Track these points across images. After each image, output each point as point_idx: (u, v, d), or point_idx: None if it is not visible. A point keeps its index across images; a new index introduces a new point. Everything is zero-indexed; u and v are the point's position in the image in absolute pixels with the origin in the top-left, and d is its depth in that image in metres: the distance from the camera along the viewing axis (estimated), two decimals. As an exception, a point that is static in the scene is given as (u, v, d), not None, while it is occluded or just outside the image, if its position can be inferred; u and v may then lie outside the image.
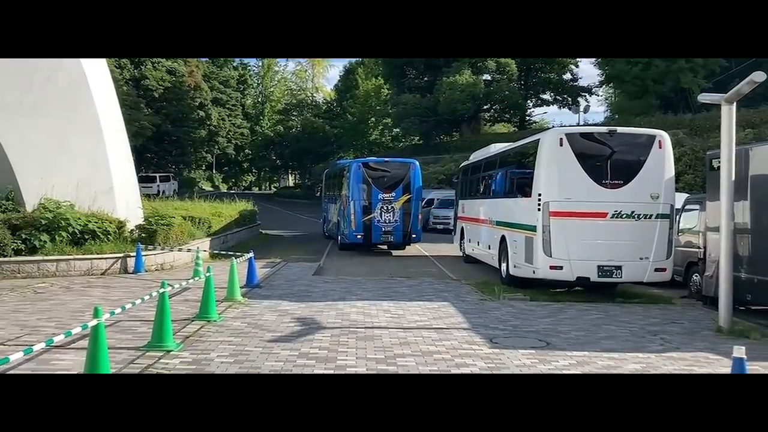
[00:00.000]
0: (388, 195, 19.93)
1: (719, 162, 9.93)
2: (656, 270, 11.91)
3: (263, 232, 27.43)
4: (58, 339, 5.06)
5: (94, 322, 5.40)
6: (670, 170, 12.22)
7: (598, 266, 11.79)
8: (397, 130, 60.18)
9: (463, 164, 21.82)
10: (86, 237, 14.80)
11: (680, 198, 13.66)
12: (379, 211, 19.85)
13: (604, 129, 13.42)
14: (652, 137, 12.29)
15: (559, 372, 6.91)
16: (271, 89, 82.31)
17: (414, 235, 20.32)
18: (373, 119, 66.44)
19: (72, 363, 6.58)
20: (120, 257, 14.67)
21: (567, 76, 53.08)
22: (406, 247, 20.95)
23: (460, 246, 19.56)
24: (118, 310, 6.52)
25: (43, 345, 4.78)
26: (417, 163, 21.45)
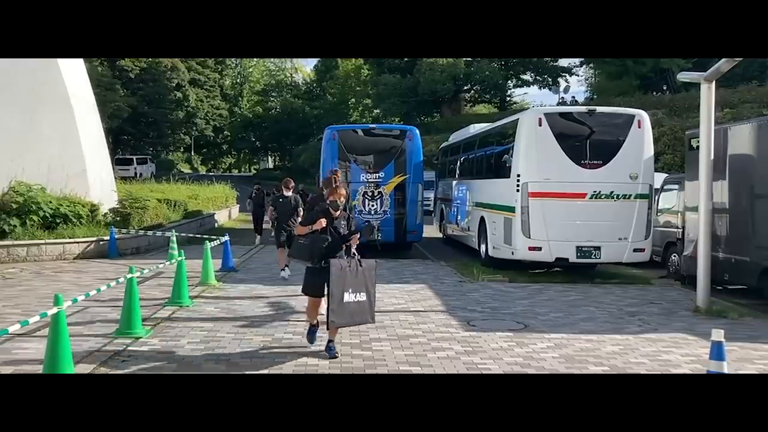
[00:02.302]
0: (374, 175, 14.98)
1: (698, 141, 9.86)
2: (635, 250, 11.88)
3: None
4: (14, 329, 4.84)
5: (54, 310, 5.18)
6: (649, 150, 12.15)
7: (577, 247, 11.73)
8: (378, 110, 59.66)
9: (442, 145, 21.70)
10: (58, 221, 14.50)
11: (659, 178, 13.63)
12: (361, 197, 14.83)
13: (583, 108, 13.37)
14: (631, 117, 12.20)
15: (537, 355, 6.84)
16: (250, 69, 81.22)
17: (413, 233, 15.35)
18: (353, 100, 65.93)
19: (35, 351, 6.36)
20: (93, 241, 14.37)
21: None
22: (403, 249, 15.81)
23: (440, 227, 19.52)
24: (81, 297, 6.29)
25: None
26: (416, 130, 16.08)
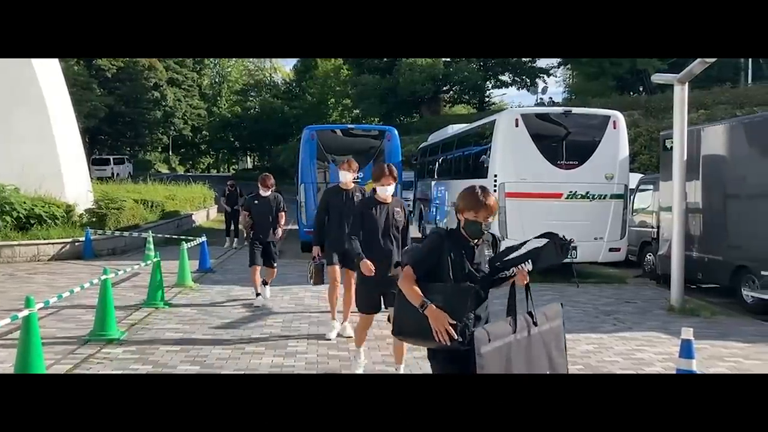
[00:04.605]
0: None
1: (672, 142, 9.98)
2: (611, 250, 12.01)
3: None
4: (-17, 331, 4.79)
5: (25, 313, 5.12)
6: (624, 151, 12.27)
7: (554, 246, 11.78)
8: (357, 111, 59.69)
9: (421, 145, 21.76)
10: (32, 222, 14.31)
11: (635, 178, 13.77)
12: None
13: (559, 110, 13.45)
14: (607, 118, 12.32)
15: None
16: (229, 69, 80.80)
17: None
18: (332, 100, 65.88)
19: (7, 354, 6.27)
20: (68, 242, 14.20)
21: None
22: None
23: (419, 227, 19.54)
24: (54, 299, 6.22)
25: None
26: (395, 130, 15.93)
